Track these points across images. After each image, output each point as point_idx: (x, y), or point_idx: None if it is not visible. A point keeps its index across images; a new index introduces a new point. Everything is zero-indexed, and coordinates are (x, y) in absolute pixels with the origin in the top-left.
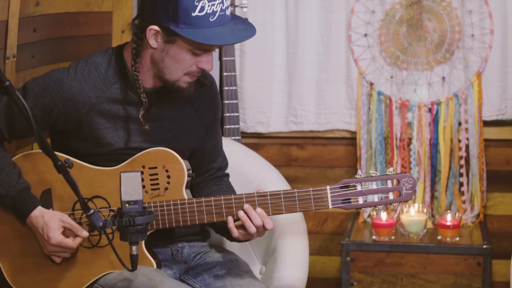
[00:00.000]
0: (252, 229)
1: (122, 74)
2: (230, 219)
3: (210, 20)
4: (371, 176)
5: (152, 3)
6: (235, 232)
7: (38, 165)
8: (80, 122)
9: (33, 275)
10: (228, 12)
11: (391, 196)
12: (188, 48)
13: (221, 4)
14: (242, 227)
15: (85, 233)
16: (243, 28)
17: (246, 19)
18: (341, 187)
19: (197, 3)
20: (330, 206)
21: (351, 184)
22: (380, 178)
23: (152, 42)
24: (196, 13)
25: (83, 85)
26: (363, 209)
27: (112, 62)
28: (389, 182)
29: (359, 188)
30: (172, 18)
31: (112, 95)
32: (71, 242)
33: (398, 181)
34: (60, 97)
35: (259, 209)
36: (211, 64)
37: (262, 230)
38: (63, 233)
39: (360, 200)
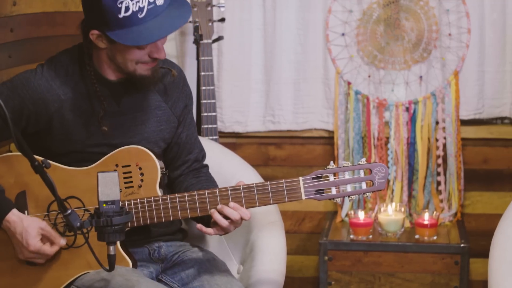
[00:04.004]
0: (223, 222)
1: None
2: (199, 226)
3: (139, 17)
4: (344, 166)
5: (86, 10)
6: (210, 231)
7: (13, 168)
8: (51, 121)
9: (10, 279)
10: (160, 1)
11: (364, 186)
12: (130, 46)
13: None
14: (215, 223)
15: (63, 242)
16: (177, 15)
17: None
18: (313, 178)
19: (120, 5)
20: (303, 197)
21: (324, 175)
22: (352, 168)
23: (99, 44)
24: (122, 14)
25: (51, 82)
26: (336, 199)
27: (77, 59)
28: (361, 172)
29: (331, 178)
30: (104, 23)
31: (80, 91)
32: (49, 249)
33: (371, 171)
34: (29, 97)
35: (232, 203)
36: (163, 51)
37: (239, 222)
38: (41, 240)
39: (333, 191)
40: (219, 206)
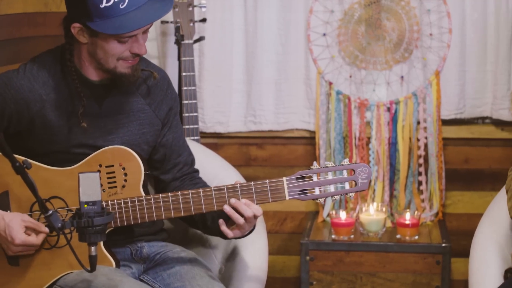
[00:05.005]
0: (240, 220)
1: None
2: (221, 222)
3: (121, 7)
4: (327, 166)
5: (68, 2)
6: (230, 233)
7: None
8: (33, 121)
9: None
10: None
11: (347, 186)
12: (111, 38)
13: None
14: (231, 223)
15: (47, 229)
16: (158, 7)
17: None
18: (297, 179)
19: None
20: (287, 198)
21: (307, 175)
22: (335, 169)
23: (81, 38)
24: (104, 4)
25: (33, 83)
26: (319, 200)
27: (59, 59)
28: (344, 172)
29: (315, 179)
30: (85, 14)
31: (62, 91)
32: (35, 239)
33: (354, 171)
34: (11, 96)
35: (244, 200)
36: (143, 47)
37: (253, 219)
38: (25, 232)
39: (317, 191)
40: (233, 200)
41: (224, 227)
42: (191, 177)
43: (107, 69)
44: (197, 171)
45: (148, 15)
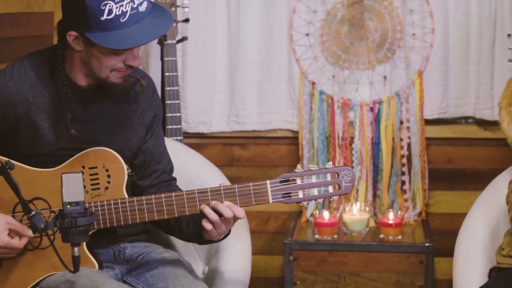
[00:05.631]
0: (214, 216)
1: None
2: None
3: (121, 21)
4: (311, 170)
5: (66, 10)
6: (209, 226)
7: None
8: (19, 123)
9: None
10: (142, 8)
11: (330, 189)
12: (108, 50)
13: (131, 3)
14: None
15: (31, 233)
16: (159, 24)
17: (164, 8)
18: (281, 182)
19: (104, 7)
20: (271, 201)
21: (291, 178)
22: (319, 172)
23: (75, 46)
24: (104, 16)
25: (20, 85)
26: (303, 203)
27: (48, 61)
28: (328, 175)
29: (298, 182)
30: (84, 24)
31: (49, 94)
32: (18, 242)
33: (337, 174)
34: None
35: (226, 202)
36: (138, 59)
37: (231, 221)
38: (9, 234)
39: (300, 194)
40: (213, 202)
41: (204, 222)
42: (167, 184)
43: (99, 78)
44: (174, 179)
45: (149, 32)
